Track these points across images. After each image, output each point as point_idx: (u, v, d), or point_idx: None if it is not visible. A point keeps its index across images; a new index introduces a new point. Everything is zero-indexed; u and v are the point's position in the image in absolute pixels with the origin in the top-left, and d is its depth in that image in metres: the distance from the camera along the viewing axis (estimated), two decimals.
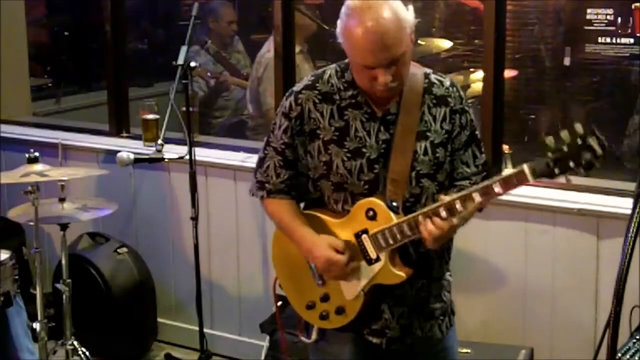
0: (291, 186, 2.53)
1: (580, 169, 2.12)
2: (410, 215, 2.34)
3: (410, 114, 2.42)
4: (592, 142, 2.10)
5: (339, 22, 2.35)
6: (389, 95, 2.38)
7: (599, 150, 2.09)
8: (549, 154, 2.14)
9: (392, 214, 2.37)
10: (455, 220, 2.30)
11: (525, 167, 2.18)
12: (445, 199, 2.30)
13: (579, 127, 2.11)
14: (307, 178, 2.52)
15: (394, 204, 2.38)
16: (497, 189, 2.23)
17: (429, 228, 2.29)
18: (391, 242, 2.37)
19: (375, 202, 2.39)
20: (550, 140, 2.15)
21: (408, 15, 2.32)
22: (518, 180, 2.20)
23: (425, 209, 2.32)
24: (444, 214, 2.28)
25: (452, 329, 2.62)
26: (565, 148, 2.12)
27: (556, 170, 2.14)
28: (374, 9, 2.26)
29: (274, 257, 2.67)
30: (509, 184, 2.22)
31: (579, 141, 2.11)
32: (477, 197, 2.25)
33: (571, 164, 2.12)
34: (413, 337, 2.52)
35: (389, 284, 2.42)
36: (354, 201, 2.43)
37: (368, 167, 2.41)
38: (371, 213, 2.40)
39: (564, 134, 2.13)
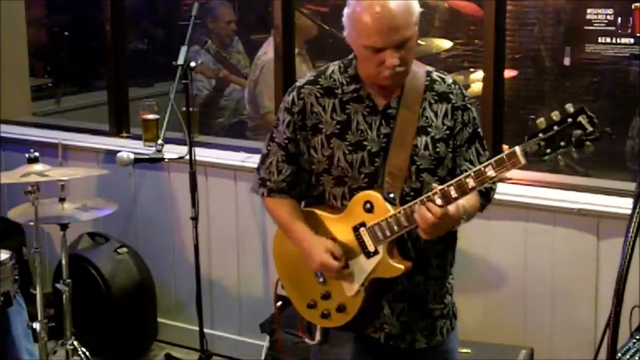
0: (292, 184, 2.54)
1: (571, 147, 2.11)
2: (406, 205, 2.34)
3: (411, 109, 2.43)
4: (582, 119, 2.09)
5: (345, 10, 2.38)
6: (394, 82, 2.39)
7: (588, 127, 2.09)
8: (540, 134, 2.14)
9: (388, 206, 2.38)
10: (452, 209, 2.29)
11: (517, 149, 2.18)
12: (439, 186, 2.30)
13: (569, 107, 2.12)
14: (309, 173, 2.52)
15: (391, 195, 2.39)
16: (490, 172, 2.23)
17: (423, 213, 2.28)
18: (388, 233, 2.37)
19: (372, 194, 2.40)
20: (541, 121, 2.15)
21: (414, 3, 2.35)
22: (510, 161, 2.19)
23: (421, 197, 2.32)
24: (439, 201, 2.28)
25: (453, 332, 2.62)
26: (555, 127, 2.12)
27: (547, 150, 2.14)
28: None
29: (275, 257, 2.67)
30: (502, 165, 2.21)
31: (569, 120, 2.11)
32: (471, 182, 2.25)
33: (562, 142, 2.12)
34: (413, 335, 2.52)
35: (388, 277, 2.42)
36: (352, 196, 2.44)
37: (369, 161, 2.42)
38: (368, 205, 2.40)
39: (555, 114, 2.13)
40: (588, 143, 2.10)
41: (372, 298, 2.47)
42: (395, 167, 2.40)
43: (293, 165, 2.52)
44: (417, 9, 2.36)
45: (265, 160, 2.57)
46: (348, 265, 2.45)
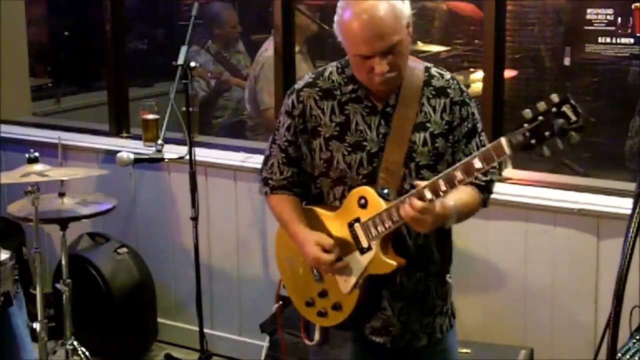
0: (294, 183, 2.55)
1: (555, 138, 2.08)
2: (397, 200, 2.34)
3: (409, 105, 2.43)
4: (566, 109, 2.07)
5: (335, 17, 2.37)
6: (387, 87, 2.39)
7: (572, 117, 2.06)
8: (525, 125, 2.12)
9: (382, 201, 2.37)
10: (437, 205, 2.27)
11: (503, 140, 2.16)
12: (424, 182, 2.28)
13: (554, 97, 2.10)
14: (311, 176, 2.53)
15: (385, 191, 2.38)
16: (477, 164, 2.22)
17: (404, 208, 2.27)
18: (381, 229, 2.37)
19: (366, 190, 2.40)
20: (527, 112, 2.13)
21: (404, 6, 2.34)
22: (496, 152, 2.18)
23: (410, 192, 2.30)
24: (428, 195, 2.26)
25: (451, 331, 2.62)
26: (540, 118, 2.11)
27: (532, 141, 2.11)
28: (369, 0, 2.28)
29: (277, 255, 2.68)
30: (488, 157, 2.20)
31: (554, 109, 2.09)
32: (459, 175, 2.23)
33: (546, 133, 2.09)
34: (412, 333, 2.52)
35: (382, 273, 2.41)
36: None
37: (368, 161, 2.42)
38: (362, 201, 2.40)
39: (540, 105, 2.11)
40: (572, 133, 2.07)
41: (367, 296, 2.47)
42: (390, 162, 2.40)
43: (294, 168, 2.53)
44: (406, 11, 2.34)
45: (267, 162, 2.59)
46: (342, 259, 2.44)
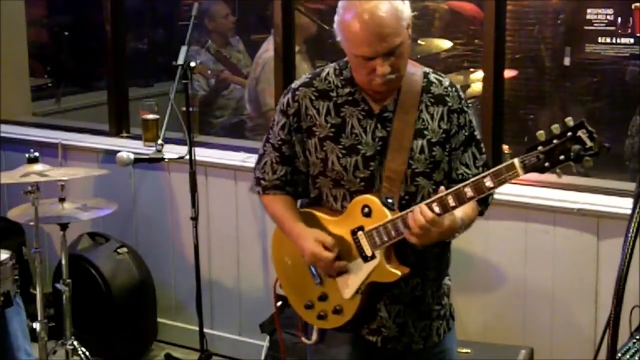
0: (287, 182, 2.55)
1: (570, 161, 2.12)
2: (404, 212, 2.34)
3: (408, 111, 2.42)
4: (582, 134, 2.10)
5: (335, 17, 2.37)
6: (388, 89, 2.39)
7: (588, 142, 2.09)
8: (539, 147, 2.14)
9: (386, 211, 2.37)
10: (447, 221, 2.29)
11: (516, 161, 2.18)
12: (439, 193, 2.29)
13: (569, 121, 2.12)
14: (305, 176, 2.53)
15: (389, 200, 2.38)
16: (488, 183, 2.23)
17: (416, 216, 2.28)
18: (385, 239, 2.37)
19: (370, 198, 2.40)
20: (541, 134, 2.15)
21: (404, 7, 2.33)
22: (509, 173, 2.19)
23: (420, 204, 2.31)
24: (437, 209, 2.27)
25: (450, 333, 2.61)
26: (555, 141, 2.13)
27: (546, 164, 2.14)
28: (370, 0, 2.28)
29: (274, 257, 2.67)
30: (500, 177, 2.21)
31: (569, 134, 2.11)
32: (470, 192, 2.24)
33: (561, 157, 2.12)
34: (409, 337, 2.52)
35: (385, 281, 2.41)
36: (352, 198, 2.43)
37: (364, 164, 2.42)
38: (366, 210, 2.40)
39: (555, 127, 2.13)
40: (587, 158, 2.10)
41: (369, 301, 2.47)
42: (392, 171, 2.40)
43: (287, 166, 2.53)
44: (407, 13, 2.33)
45: (260, 161, 2.58)
46: (341, 259, 2.44)
